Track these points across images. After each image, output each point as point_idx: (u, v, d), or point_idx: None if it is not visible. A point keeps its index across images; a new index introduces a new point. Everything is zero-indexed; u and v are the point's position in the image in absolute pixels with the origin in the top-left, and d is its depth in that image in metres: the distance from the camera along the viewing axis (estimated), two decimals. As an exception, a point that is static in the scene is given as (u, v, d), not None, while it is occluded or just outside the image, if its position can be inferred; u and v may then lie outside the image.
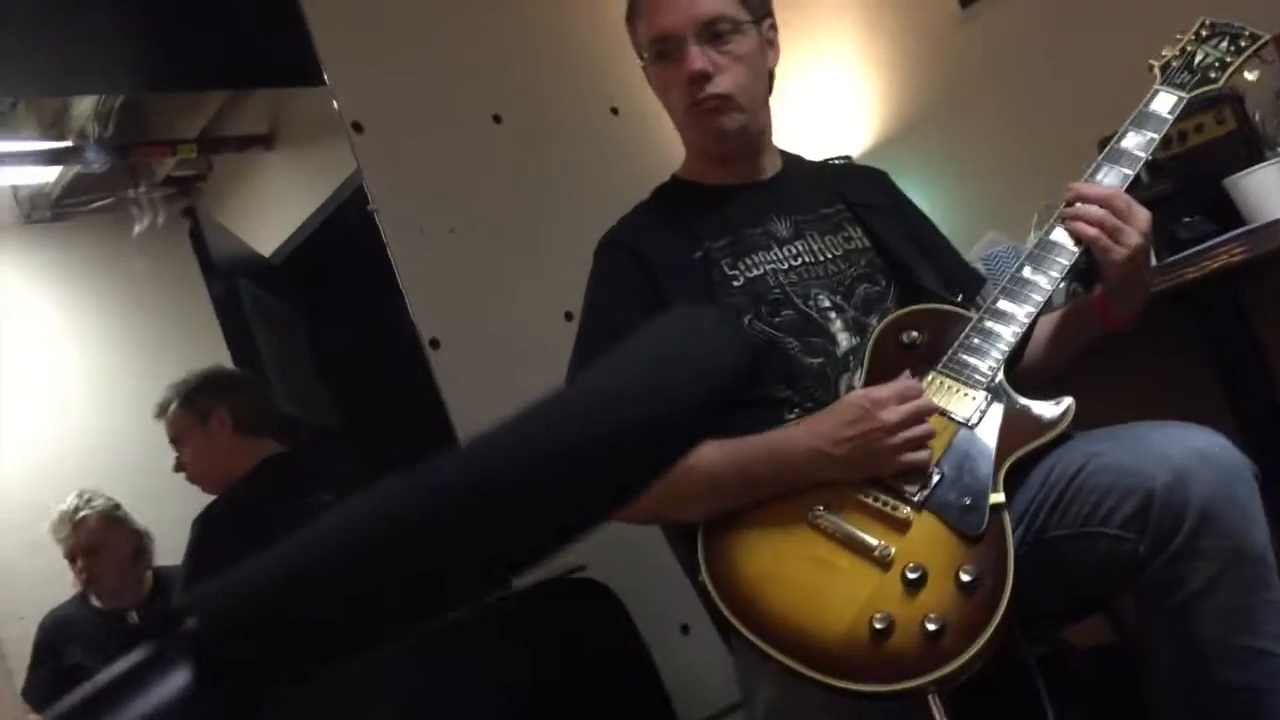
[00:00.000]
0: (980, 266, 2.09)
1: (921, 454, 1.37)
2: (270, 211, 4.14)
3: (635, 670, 2.15)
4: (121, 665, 0.24)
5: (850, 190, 1.72)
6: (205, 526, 2.52)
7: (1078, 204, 1.48)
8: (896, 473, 1.38)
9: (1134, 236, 1.43)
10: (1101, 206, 1.45)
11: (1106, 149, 1.56)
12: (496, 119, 2.67)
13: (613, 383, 0.29)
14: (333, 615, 0.25)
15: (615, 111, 2.87)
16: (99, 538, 3.06)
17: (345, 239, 3.49)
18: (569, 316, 2.52)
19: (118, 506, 3.16)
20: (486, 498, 0.25)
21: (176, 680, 0.24)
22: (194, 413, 2.66)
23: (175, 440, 2.68)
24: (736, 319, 1.52)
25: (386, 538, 0.25)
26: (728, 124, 1.62)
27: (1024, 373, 1.58)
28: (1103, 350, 1.63)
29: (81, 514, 3.05)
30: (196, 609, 0.25)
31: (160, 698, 0.24)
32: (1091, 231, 1.44)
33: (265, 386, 2.84)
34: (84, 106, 3.77)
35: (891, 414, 1.36)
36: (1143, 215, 1.45)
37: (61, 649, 3.09)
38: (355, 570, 0.25)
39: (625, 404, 0.27)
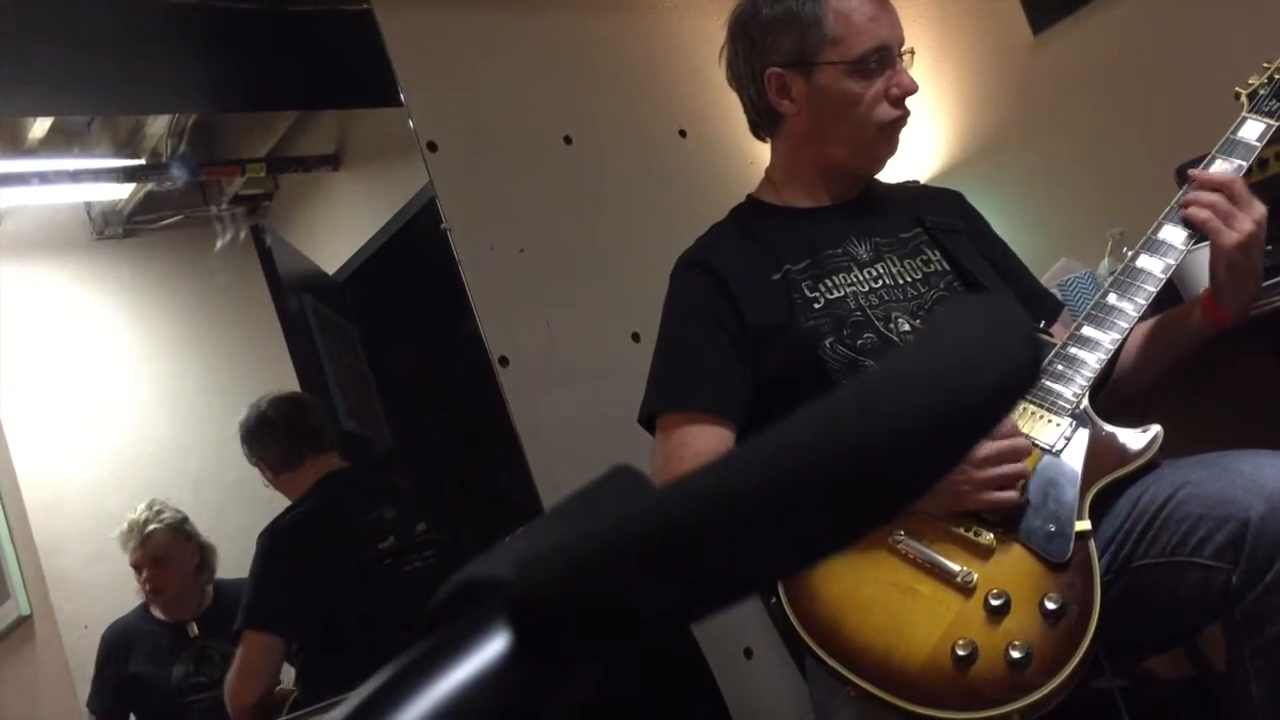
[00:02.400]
0: (1056, 293, 2.07)
1: (1007, 494, 1.35)
2: (336, 230, 4.19)
3: (701, 694, 2.14)
4: (439, 634, 0.25)
5: (927, 213, 1.72)
6: (270, 540, 2.57)
7: (1193, 191, 1.49)
8: (981, 509, 1.36)
9: (1246, 223, 1.43)
10: (1218, 191, 1.45)
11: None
12: (567, 140, 2.70)
13: (908, 367, 0.29)
14: (658, 590, 0.26)
15: (683, 134, 2.89)
16: (165, 550, 3.10)
17: (411, 257, 3.53)
18: (636, 337, 2.53)
19: (185, 520, 3.21)
20: (783, 489, 0.26)
21: (496, 645, 0.25)
22: (250, 460, 2.76)
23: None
24: (818, 341, 1.52)
25: (706, 518, 0.26)
26: (898, 144, 1.66)
27: (1118, 385, 1.56)
28: (1183, 378, 1.61)
29: (151, 527, 3.10)
30: (517, 576, 0.26)
31: (479, 662, 0.24)
32: (1203, 214, 1.45)
33: (296, 417, 2.88)
34: (158, 126, 3.84)
35: (979, 448, 1.34)
36: (1258, 206, 1.45)
37: (124, 659, 3.13)
38: (683, 548, 0.26)
39: (922, 391, 0.27)
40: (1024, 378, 0.29)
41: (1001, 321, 0.29)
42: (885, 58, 1.60)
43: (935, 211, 1.74)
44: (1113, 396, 1.55)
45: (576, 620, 0.25)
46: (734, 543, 0.26)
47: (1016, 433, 1.38)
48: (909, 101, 1.64)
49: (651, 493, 0.27)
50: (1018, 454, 1.35)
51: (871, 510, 0.27)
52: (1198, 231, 1.49)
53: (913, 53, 1.66)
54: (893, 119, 1.62)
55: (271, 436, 2.75)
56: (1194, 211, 1.47)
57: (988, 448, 1.34)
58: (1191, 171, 1.52)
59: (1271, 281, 1.76)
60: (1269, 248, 1.88)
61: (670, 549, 0.25)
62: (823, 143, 1.66)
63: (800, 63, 1.62)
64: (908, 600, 1.33)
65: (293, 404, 2.95)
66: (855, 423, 0.27)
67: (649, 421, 1.62)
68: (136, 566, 3.14)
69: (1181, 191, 1.53)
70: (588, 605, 0.25)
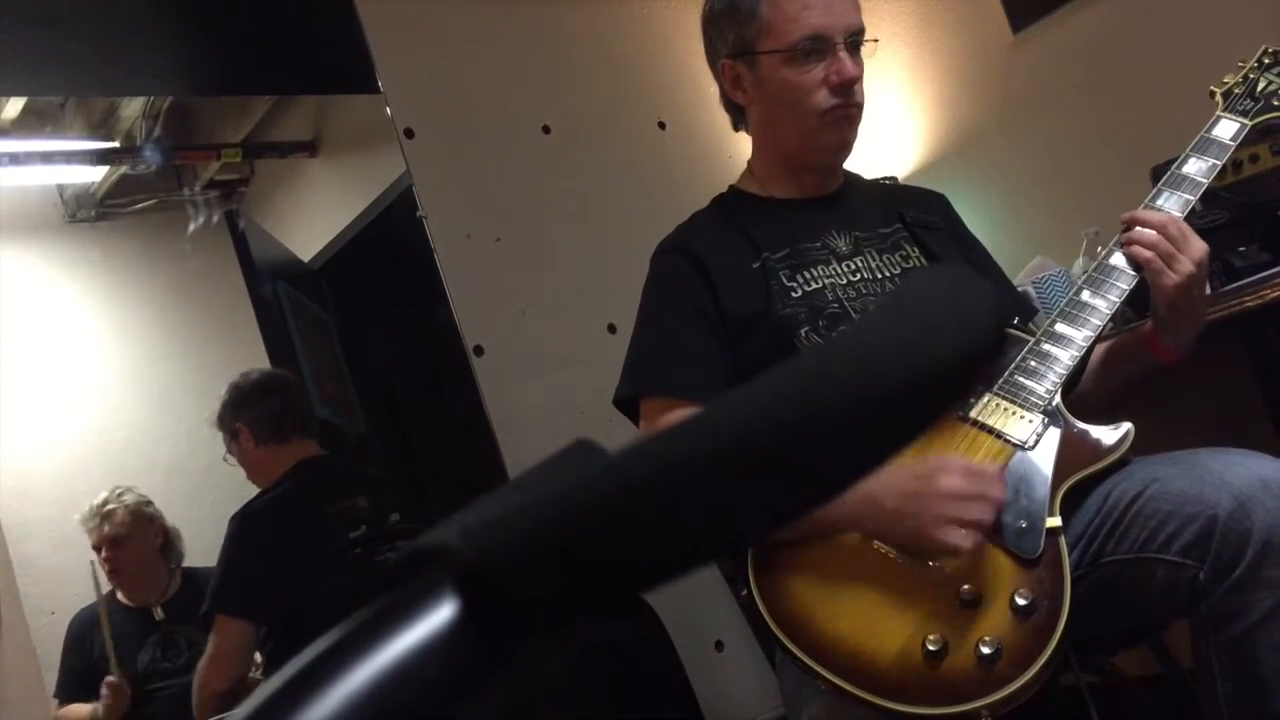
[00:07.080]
0: (1031, 290, 2.08)
1: (965, 539, 1.27)
2: (312, 217, 4.17)
3: (671, 686, 2.14)
4: (387, 599, 0.24)
5: (909, 210, 1.72)
6: (241, 524, 2.54)
7: (1135, 228, 1.47)
8: (933, 546, 1.29)
9: (1187, 264, 1.42)
10: (1157, 232, 1.44)
11: (1168, 174, 1.55)
12: (546, 130, 2.69)
13: (871, 333, 0.28)
14: (612, 555, 0.25)
15: (662, 126, 2.88)
16: (125, 530, 3.09)
17: (387, 245, 3.51)
18: (612, 329, 2.52)
19: (149, 502, 3.20)
20: (740, 453, 0.25)
21: (443, 613, 0.24)
22: (224, 429, 2.72)
23: (227, 452, 2.76)
24: (795, 329, 1.52)
25: (658, 482, 0.25)
26: (852, 135, 1.63)
27: (1076, 399, 1.56)
28: (1156, 377, 1.62)
29: (110, 506, 3.10)
30: (466, 542, 0.25)
31: (424, 629, 0.24)
32: (1146, 254, 1.44)
33: (293, 392, 2.85)
34: (133, 108, 3.81)
35: (951, 481, 1.28)
36: (1198, 245, 1.44)
37: (90, 645, 3.11)
38: (633, 512, 0.25)
39: (884, 355, 0.26)
40: (987, 345, 0.29)
41: (965, 289, 0.29)
42: (821, 45, 1.58)
43: (917, 209, 1.74)
44: (1073, 409, 1.55)
45: (523, 586, 0.24)
46: (686, 507, 0.25)
47: (995, 478, 1.32)
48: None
49: (605, 459, 0.27)
50: (988, 499, 1.29)
51: (828, 478, 0.27)
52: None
53: (875, 41, 1.65)
54: (831, 106, 1.59)
55: (267, 403, 2.71)
56: (1136, 250, 1.46)
57: (955, 481, 1.29)
58: (1125, 215, 1.51)
59: (1244, 281, 1.78)
60: (1242, 249, 1.90)
61: (619, 513, 0.25)
62: (777, 132, 1.67)
63: (744, 53, 1.64)
64: (879, 594, 1.32)
65: (287, 381, 2.93)
66: (816, 388, 0.26)
67: (625, 404, 1.62)
68: (96, 547, 3.12)
69: (1121, 228, 1.51)
70: (535, 571, 0.24)
